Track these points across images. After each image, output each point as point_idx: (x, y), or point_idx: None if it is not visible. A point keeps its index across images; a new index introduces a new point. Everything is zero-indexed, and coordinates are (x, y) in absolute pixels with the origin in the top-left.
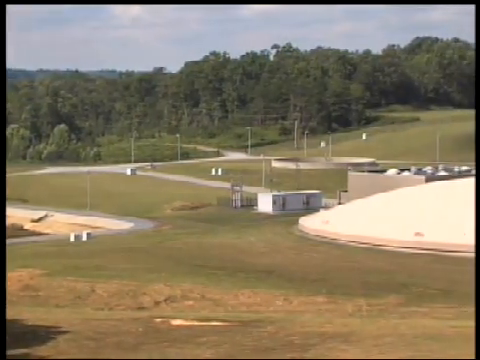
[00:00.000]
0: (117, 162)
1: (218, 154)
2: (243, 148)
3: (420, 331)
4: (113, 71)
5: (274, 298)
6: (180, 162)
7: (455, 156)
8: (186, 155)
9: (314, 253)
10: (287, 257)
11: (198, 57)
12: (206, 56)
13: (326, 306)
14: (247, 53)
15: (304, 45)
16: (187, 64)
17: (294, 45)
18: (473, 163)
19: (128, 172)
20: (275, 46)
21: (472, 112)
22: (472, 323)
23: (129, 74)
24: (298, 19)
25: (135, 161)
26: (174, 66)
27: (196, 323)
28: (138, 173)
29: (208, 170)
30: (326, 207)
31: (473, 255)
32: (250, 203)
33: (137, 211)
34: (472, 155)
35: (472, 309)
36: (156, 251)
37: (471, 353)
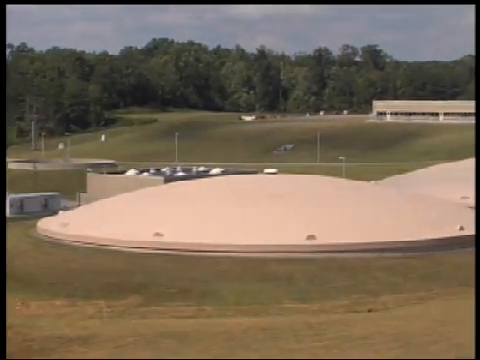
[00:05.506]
0: None
1: None
2: None
3: (159, 330)
4: None
5: (12, 303)
6: None
7: (195, 157)
8: None
9: (53, 256)
10: (25, 261)
11: None
12: None
13: (65, 309)
14: None
15: (39, 45)
16: None
17: (29, 45)
18: (210, 163)
19: None
20: (9, 46)
21: (207, 113)
22: (210, 321)
23: None
24: (32, 18)
25: None
26: None
27: None
28: None
29: None
30: (65, 209)
31: (212, 254)
32: None
33: None
34: (212, 155)
35: (210, 308)
36: None
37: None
